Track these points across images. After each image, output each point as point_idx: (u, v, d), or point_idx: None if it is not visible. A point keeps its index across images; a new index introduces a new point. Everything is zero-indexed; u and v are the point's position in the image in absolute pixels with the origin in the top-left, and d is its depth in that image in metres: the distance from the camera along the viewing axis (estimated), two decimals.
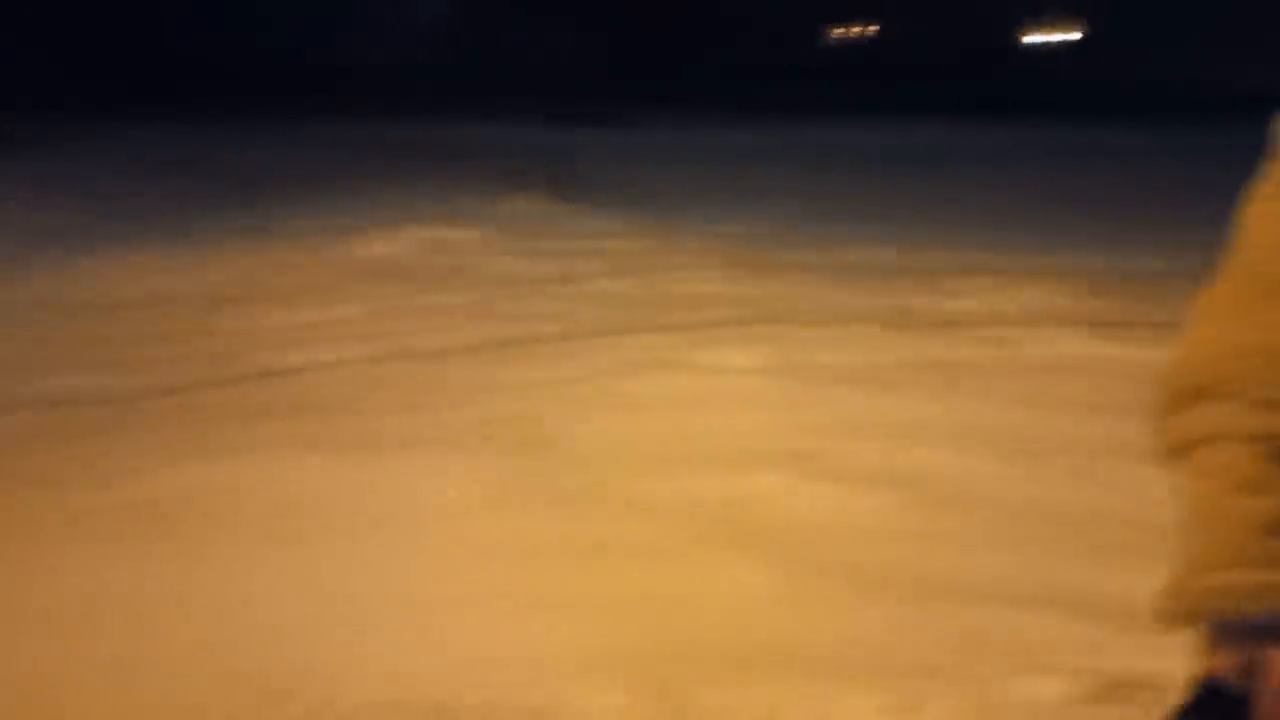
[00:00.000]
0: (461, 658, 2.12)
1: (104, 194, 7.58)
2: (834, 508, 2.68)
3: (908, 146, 11.56)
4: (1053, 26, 23.47)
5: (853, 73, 20.06)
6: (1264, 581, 0.74)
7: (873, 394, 3.49)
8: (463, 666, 2.09)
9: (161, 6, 14.93)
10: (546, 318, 4.52)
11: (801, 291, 4.99)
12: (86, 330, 4.48)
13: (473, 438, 3.12)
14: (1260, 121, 0.94)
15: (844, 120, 13.75)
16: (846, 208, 7.69)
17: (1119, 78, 17.88)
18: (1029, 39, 23.91)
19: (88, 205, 7.19)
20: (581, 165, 8.00)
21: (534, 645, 2.14)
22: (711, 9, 21.64)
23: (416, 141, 10.35)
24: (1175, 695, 0.82)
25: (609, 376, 3.70)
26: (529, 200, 7.54)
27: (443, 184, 8.01)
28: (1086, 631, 2.05)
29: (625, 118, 12.69)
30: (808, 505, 2.70)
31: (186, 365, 3.96)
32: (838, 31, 25.44)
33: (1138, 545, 2.21)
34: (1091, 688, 1.87)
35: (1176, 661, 0.87)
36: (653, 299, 4.90)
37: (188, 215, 7.15)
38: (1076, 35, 23.25)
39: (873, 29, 25.18)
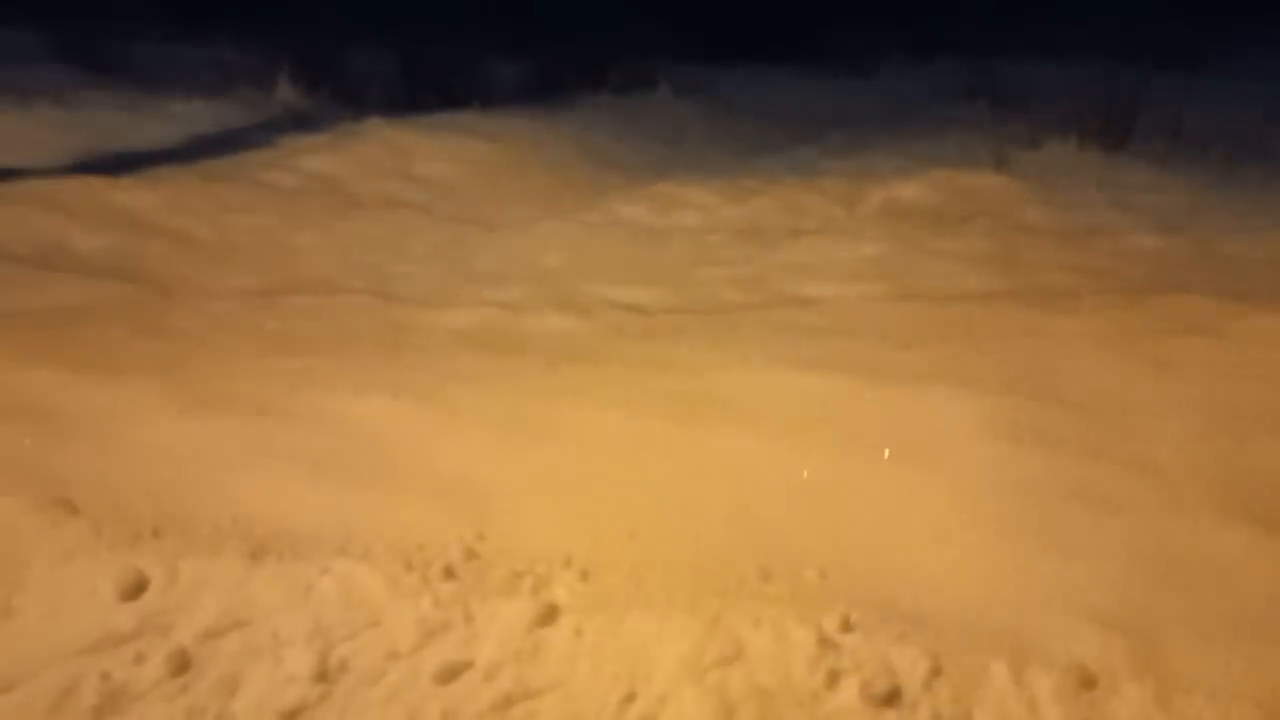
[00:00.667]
0: (943, 577, 2.32)
1: (676, 138, 8.50)
2: None
3: None
4: None
5: None
6: None
7: None
8: (943, 585, 2.29)
9: None
10: (1068, 269, 4.42)
11: None
12: (644, 251, 5.19)
13: (991, 379, 3.25)
14: None
15: None
16: None
17: None
18: None
19: (650, 145, 8.15)
20: (1143, 111, 7.44)
21: (1018, 577, 2.27)
22: None
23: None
24: None
25: (1134, 336, 3.59)
26: (1064, 146, 7.22)
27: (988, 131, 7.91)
28: None
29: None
30: None
31: (725, 287, 4.47)
32: None
33: None
34: None
35: None
36: (1195, 259, 4.58)
37: (746, 154, 7.84)
38: None
39: None
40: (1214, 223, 5.23)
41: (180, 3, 11.74)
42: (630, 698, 1.89)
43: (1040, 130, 7.42)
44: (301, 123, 7.53)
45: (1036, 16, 11.83)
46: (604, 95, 9.33)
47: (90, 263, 4.77)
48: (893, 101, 10.07)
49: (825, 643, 2.02)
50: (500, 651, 1.99)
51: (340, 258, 5.07)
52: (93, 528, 2.41)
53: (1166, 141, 7.50)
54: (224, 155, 6.58)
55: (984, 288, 4.26)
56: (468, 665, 1.96)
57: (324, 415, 3.05)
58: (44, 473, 2.70)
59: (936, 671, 1.95)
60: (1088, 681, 1.96)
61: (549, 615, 2.09)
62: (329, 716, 1.84)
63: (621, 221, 5.78)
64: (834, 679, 1.92)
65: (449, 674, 1.93)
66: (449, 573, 2.22)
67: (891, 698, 1.89)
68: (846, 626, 2.08)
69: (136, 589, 2.16)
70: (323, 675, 1.91)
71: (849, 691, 1.90)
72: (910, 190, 6.07)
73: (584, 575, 2.28)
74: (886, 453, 2.94)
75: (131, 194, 5.54)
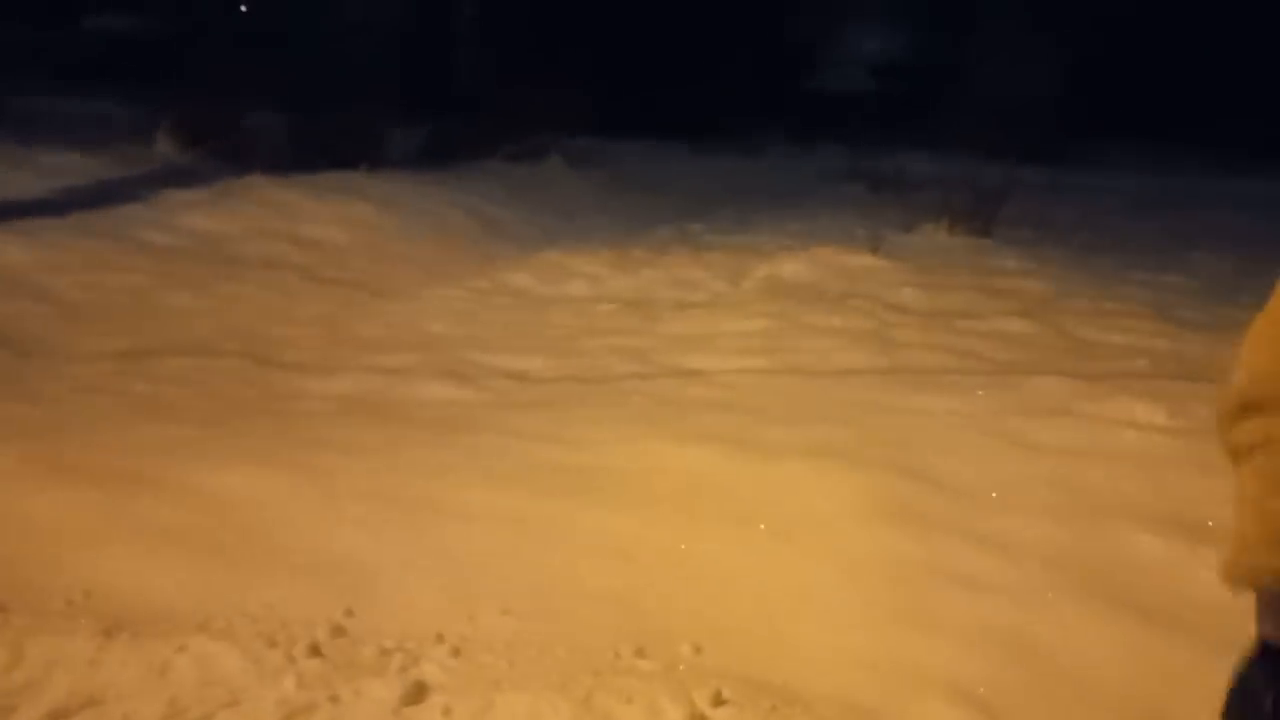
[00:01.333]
0: (815, 653, 2.36)
1: (567, 207, 8.59)
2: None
3: None
4: None
5: None
6: None
7: None
8: (814, 661, 2.33)
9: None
10: (939, 349, 4.60)
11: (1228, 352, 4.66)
12: (532, 320, 5.21)
13: (864, 456, 3.35)
14: None
15: None
16: None
17: None
18: None
19: (540, 213, 8.22)
20: (1009, 201, 7.85)
21: (886, 656, 2.33)
22: None
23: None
24: None
25: (999, 416, 3.74)
26: (936, 230, 7.55)
27: (865, 213, 8.20)
28: None
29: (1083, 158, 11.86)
30: (1190, 575, 2.63)
31: (611, 358, 4.51)
32: None
33: None
34: None
35: None
36: (1054, 342, 4.81)
37: (636, 226, 7.97)
38: None
39: None
40: (1072, 308, 5.52)
41: (61, 58, 11.41)
42: None
43: (914, 215, 7.76)
44: (181, 178, 7.34)
45: (911, 112, 12.45)
46: (496, 162, 9.38)
47: None
48: (777, 181, 10.41)
49: (696, 718, 2.03)
50: None
51: (217, 320, 4.94)
52: None
53: (1032, 229, 7.92)
54: (98, 210, 6.36)
55: (860, 365, 4.40)
56: None
57: (191, 485, 2.95)
58: None
59: None
60: None
61: (417, 694, 2.05)
62: None
63: (510, 289, 5.79)
64: None
65: None
66: (314, 650, 2.16)
67: None
68: (718, 701, 2.09)
69: None
70: None
71: None
72: (792, 267, 6.25)
73: (455, 652, 2.24)
74: (762, 527, 2.99)
75: None
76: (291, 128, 8.80)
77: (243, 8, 10.02)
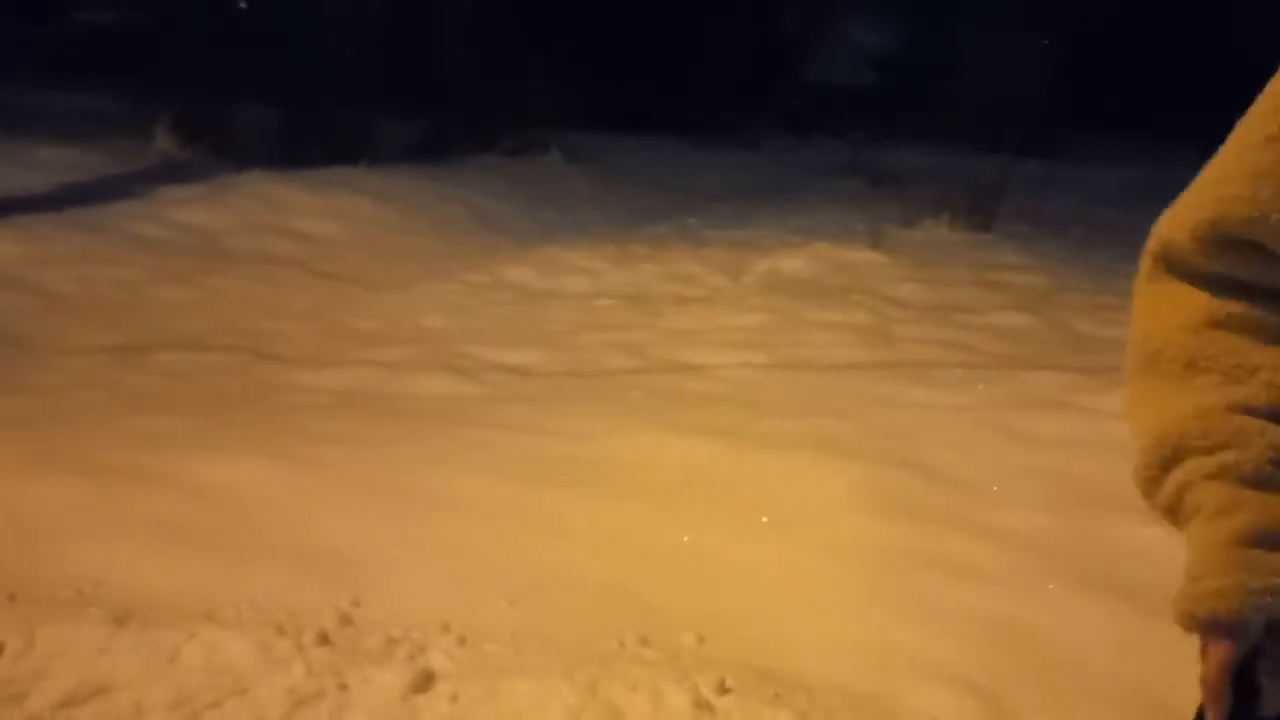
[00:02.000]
0: (815, 642, 2.39)
1: (564, 202, 8.59)
2: None
3: None
4: None
5: None
6: (1236, 582, 0.90)
7: None
8: (815, 649, 2.35)
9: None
10: (937, 344, 4.63)
11: None
12: (530, 314, 5.23)
13: (862, 448, 3.37)
14: None
15: None
16: None
17: None
18: None
19: (538, 208, 8.22)
20: (1007, 196, 7.87)
21: (885, 643, 2.35)
22: None
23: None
24: None
25: (995, 409, 3.77)
26: (936, 225, 7.58)
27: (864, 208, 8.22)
28: None
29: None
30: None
31: (610, 352, 4.53)
32: None
33: None
34: None
35: None
36: (1052, 337, 4.85)
37: (634, 220, 7.98)
38: None
39: None
40: (1069, 302, 5.55)
41: (52, 51, 11.37)
42: None
43: (913, 210, 7.78)
44: (178, 173, 7.34)
45: (907, 105, 12.42)
46: (493, 157, 9.37)
47: None
48: (776, 176, 10.41)
49: (701, 705, 2.05)
50: (374, 719, 1.96)
51: (211, 314, 4.96)
52: None
53: (1029, 224, 7.94)
54: (94, 204, 6.37)
55: (859, 359, 4.42)
56: None
57: (188, 478, 2.96)
58: None
59: None
60: None
61: (425, 682, 2.07)
62: None
63: (507, 284, 5.80)
64: None
65: None
66: (322, 639, 2.18)
67: None
68: (722, 689, 2.12)
69: None
70: None
71: None
72: (792, 262, 6.28)
73: (461, 642, 2.26)
74: (763, 519, 3.02)
75: None
76: (284, 123, 8.79)
77: (241, 3, 9.97)
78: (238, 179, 7.19)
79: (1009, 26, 13.30)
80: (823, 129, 12.06)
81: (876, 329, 4.89)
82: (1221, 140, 0.98)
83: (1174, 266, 1.00)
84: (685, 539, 2.88)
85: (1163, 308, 1.01)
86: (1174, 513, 0.98)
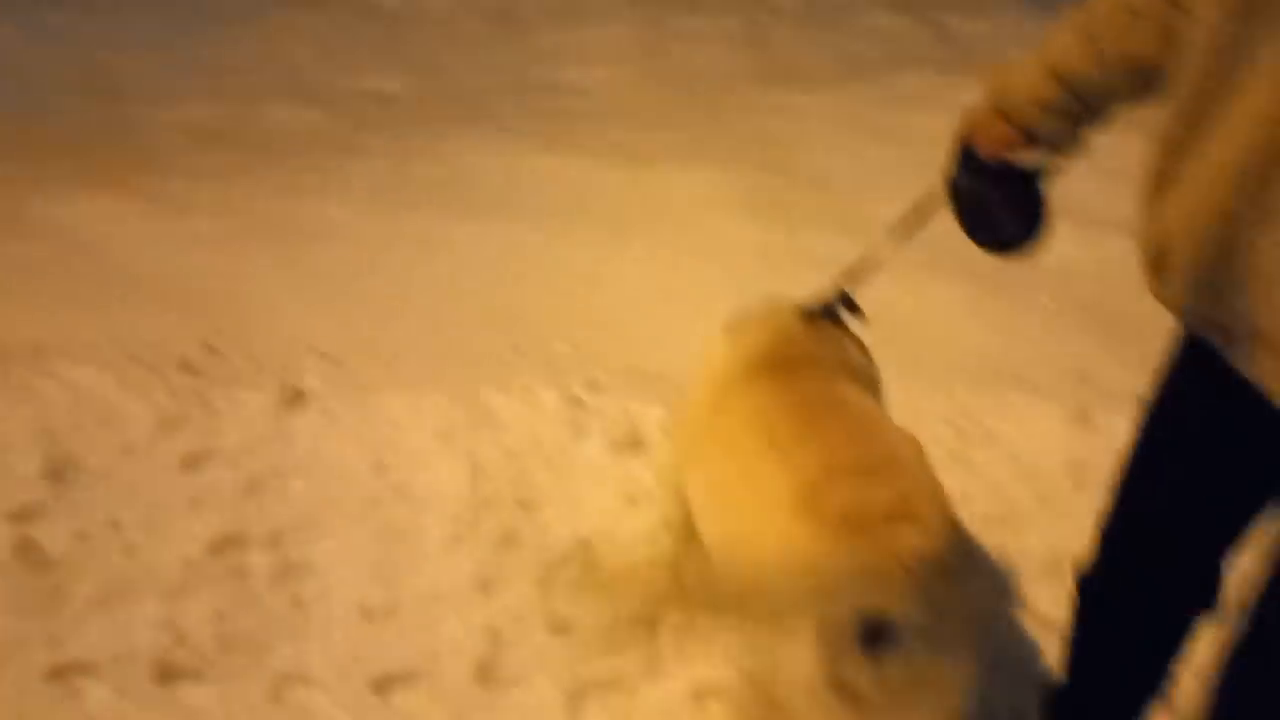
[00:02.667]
0: (685, 339, 2.44)
1: None
2: None
3: None
4: None
5: None
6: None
7: None
8: (685, 346, 2.41)
9: None
10: (811, 48, 4.54)
11: None
12: (392, 37, 4.93)
13: (734, 155, 3.35)
14: None
15: None
16: None
17: None
18: None
19: None
20: None
21: None
22: None
23: None
24: None
25: (865, 108, 3.75)
26: None
27: None
28: None
29: None
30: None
31: (477, 74, 4.34)
32: None
33: None
34: None
35: None
36: (927, 38, 4.78)
37: None
38: None
39: None
40: (945, 2, 5.43)
41: None
42: (382, 469, 1.92)
43: None
44: None
45: None
46: None
47: None
48: None
49: (573, 401, 2.10)
50: (245, 438, 1.97)
51: (47, 52, 4.55)
52: None
53: None
54: None
55: (730, 68, 4.32)
56: (211, 453, 1.92)
57: (39, 219, 2.81)
58: None
59: None
60: None
61: (295, 400, 2.07)
62: (66, 513, 1.78)
63: (367, 7, 5.43)
64: (580, 433, 2.02)
65: (192, 462, 1.89)
66: (185, 367, 2.15)
67: (634, 444, 2.00)
68: (593, 387, 2.17)
69: None
70: (54, 473, 1.83)
71: (595, 442, 2.00)
72: None
73: (332, 361, 2.26)
74: (637, 230, 3.01)
75: None
76: None
77: None
78: None
79: None
80: None
81: (748, 36, 4.75)
82: None
83: None
84: (558, 253, 2.87)
85: None
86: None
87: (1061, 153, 1.20)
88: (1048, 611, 1.63)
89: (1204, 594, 1.13)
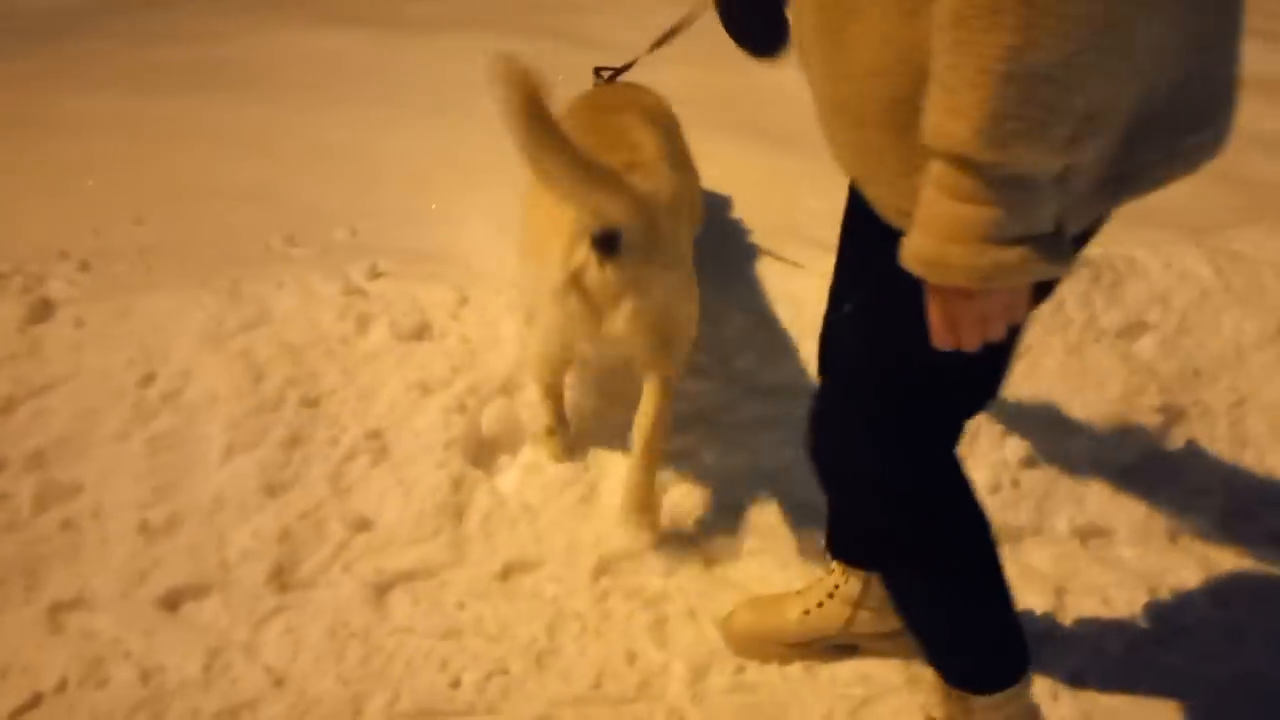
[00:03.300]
0: (455, 212, 2.37)
1: None
2: None
3: None
4: None
5: None
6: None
7: None
8: (441, 218, 2.35)
9: None
10: None
11: None
12: None
13: (502, 20, 3.22)
14: None
15: None
16: None
17: None
18: None
19: None
20: None
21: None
22: None
23: None
24: None
25: None
26: None
27: None
28: None
29: None
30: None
31: None
32: None
33: None
34: None
35: None
36: None
37: None
38: None
39: None
40: None
41: None
42: (149, 379, 1.79)
43: None
44: None
45: None
46: None
47: None
48: None
49: (352, 290, 2.01)
50: None
51: None
52: None
53: None
54: None
55: None
56: None
57: None
58: None
59: (464, 302, 2.02)
60: None
61: (43, 310, 1.90)
62: None
63: None
64: (364, 324, 1.94)
65: None
66: None
67: (421, 331, 1.94)
68: (374, 274, 2.08)
69: None
70: None
71: (379, 332, 1.93)
72: None
73: (83, 267, 2.07)
74: (412, 106, 2.87)
75: None
76: None
77: None
78: None
79: None
80: None
81: None
82: None
83: None
84: (329, 134, 2.71)
85: None
86: None
87: None
88: None
89: None
